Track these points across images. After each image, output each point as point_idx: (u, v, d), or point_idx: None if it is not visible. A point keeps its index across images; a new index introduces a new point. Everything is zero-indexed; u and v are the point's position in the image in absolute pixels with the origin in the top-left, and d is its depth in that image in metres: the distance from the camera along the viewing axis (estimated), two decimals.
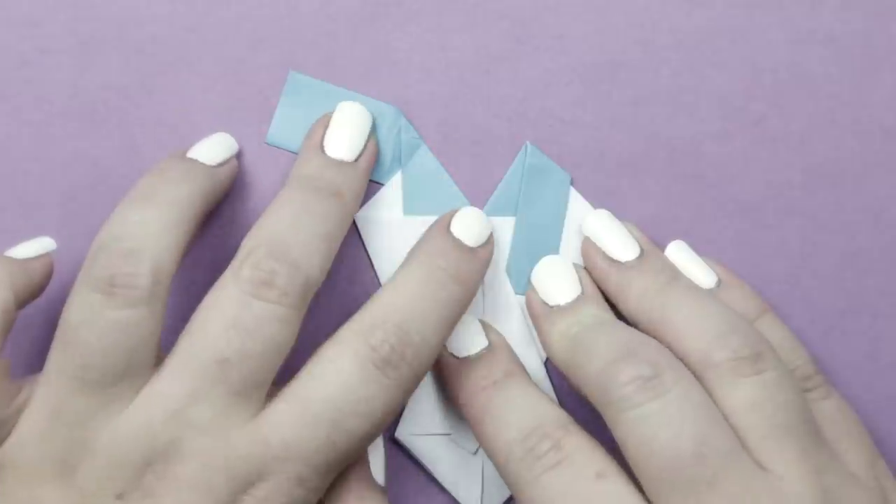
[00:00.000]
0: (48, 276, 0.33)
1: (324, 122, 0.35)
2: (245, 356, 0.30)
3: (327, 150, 0.34)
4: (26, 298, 0.32)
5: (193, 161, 0.34)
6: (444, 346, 0.34)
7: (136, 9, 0.36)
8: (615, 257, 0.34)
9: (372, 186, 0.36)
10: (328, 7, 0.36)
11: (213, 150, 0.34)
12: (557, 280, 0.35)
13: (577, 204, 0.36)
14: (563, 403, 0.36)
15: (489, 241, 0.34)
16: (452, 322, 0.33)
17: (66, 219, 0.36)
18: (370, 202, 0.36)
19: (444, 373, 0.34)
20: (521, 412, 0.32)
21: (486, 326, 0.35)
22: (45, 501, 0.30)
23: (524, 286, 0.36)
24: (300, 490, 0.31)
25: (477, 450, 0.35)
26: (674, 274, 0.34)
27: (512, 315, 0.36)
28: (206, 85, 0.36)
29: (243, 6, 0.36)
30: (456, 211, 0.34)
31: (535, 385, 0.33)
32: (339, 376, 0.31)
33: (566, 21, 0.36)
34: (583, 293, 0.34)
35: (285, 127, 0.36)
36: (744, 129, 0.37)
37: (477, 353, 0.34)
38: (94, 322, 0.30)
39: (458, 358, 0.34)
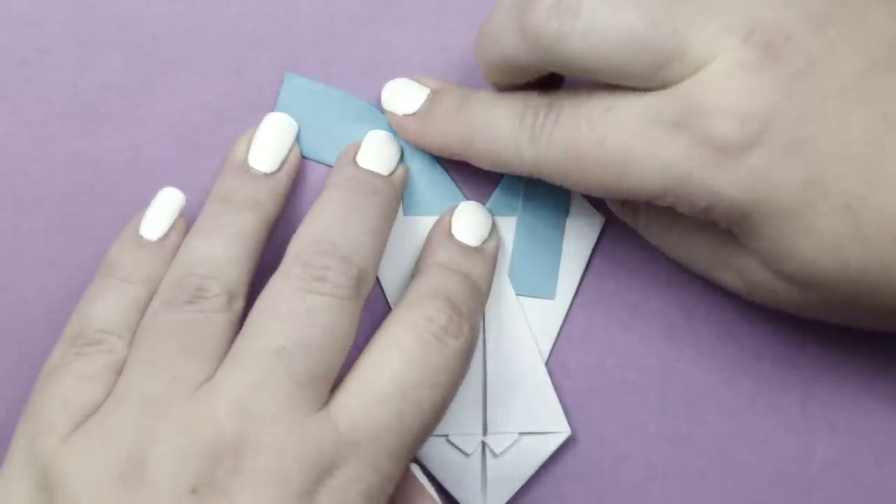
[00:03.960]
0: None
1: (356, 144, 0.35)
2: (303, 346, 0.30)
3: (360, 162, 0.34)
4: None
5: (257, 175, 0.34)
6: (396, 114, 0.35)
7: (136, 9, 0.36)
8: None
9: None
10: (328, 7, 0.36)
11: (269, 151, 0.35)
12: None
13: (579, 203, 0.36)
14: (564, 403, 0.36)
15: (493, 236, 0.35)
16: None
17: (66, 219, 0.36)
18: None
19: (411, 136, 0.35)
20: (505, 101, 0.33)
21: (418, 81, 0.35)
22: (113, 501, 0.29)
23: (525, 286, 0.36)
24: (375, 477, 0.30)
25: (473, 451, 0.35)
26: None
27: (512, 315, 0.36)
28: (206, 85, 0.36)
29: (243, 6, 0.36)
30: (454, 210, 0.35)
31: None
32: (401, 350, 0.31)
33: None
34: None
35: None
36: None
37: (424, 105, 0.35)
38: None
39: (413, 115, 0.35)
